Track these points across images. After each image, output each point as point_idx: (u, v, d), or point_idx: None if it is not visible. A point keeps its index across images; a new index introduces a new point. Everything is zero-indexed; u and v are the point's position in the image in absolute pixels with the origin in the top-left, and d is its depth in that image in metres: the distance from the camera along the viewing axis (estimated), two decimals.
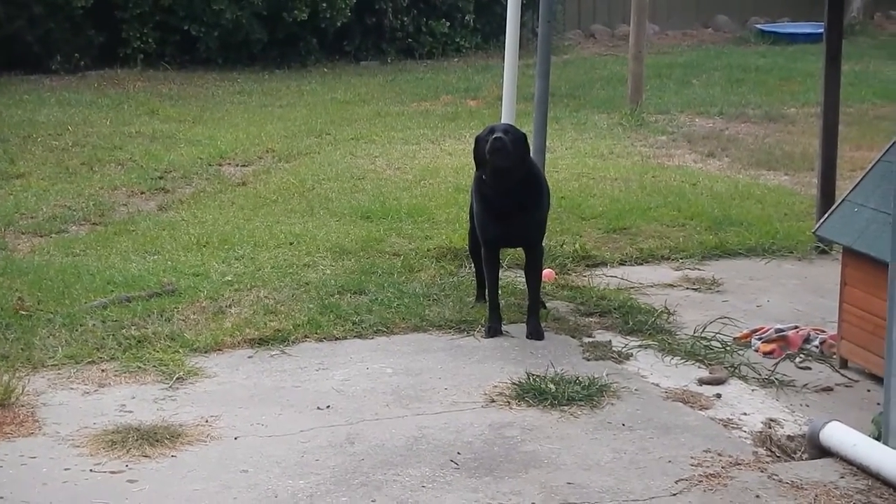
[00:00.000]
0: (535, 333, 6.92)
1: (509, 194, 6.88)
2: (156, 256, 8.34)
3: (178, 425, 5.72)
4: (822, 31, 8.70)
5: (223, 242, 8.62)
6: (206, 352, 6.68)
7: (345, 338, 6.92)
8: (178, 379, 6.30)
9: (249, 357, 6.65)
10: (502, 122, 8.26)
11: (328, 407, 5.98)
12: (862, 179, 6.59)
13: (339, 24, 17.89)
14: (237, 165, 11.52)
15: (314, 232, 8.88)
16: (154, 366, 6.45)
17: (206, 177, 10.97)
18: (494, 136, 6.82)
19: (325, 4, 17.52)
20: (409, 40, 18.72)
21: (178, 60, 17.76)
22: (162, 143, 12.41)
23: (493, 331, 6.97)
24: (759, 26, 21.40)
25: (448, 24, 18.84)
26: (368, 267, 8.04)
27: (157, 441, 5.55)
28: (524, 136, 6.98)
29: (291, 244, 8.58)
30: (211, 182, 10.76)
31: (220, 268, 8.02)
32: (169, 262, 8.15)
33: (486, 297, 7.12)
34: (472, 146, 7.09)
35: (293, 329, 6.94)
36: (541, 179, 7.15)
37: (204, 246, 8.56)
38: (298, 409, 5.97)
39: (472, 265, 7.53)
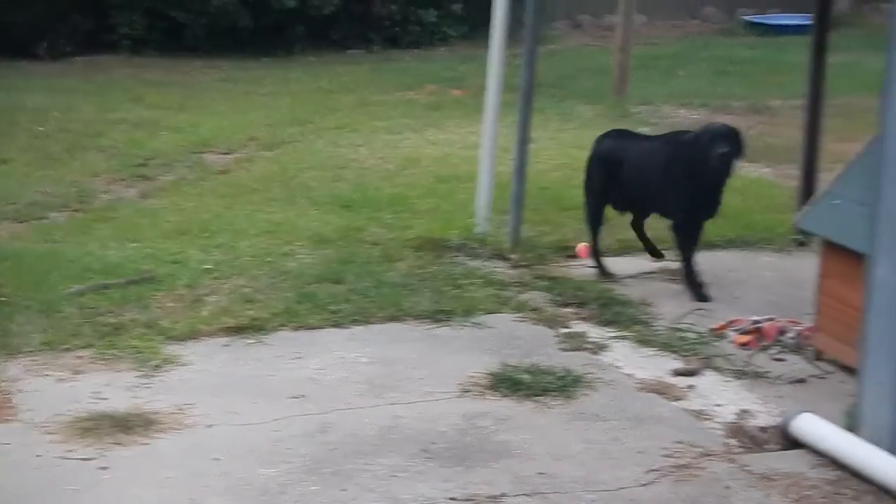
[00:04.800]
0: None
1: None
2: (135, 244, 8.33)
3: (151, 413, 5.73)
4: (810, 22, 8.69)
5: (203, 230, 8.61)
6: (182, 340, 6.68)
7: (321, 327, 6.93)
8: (153, 367, 6.31)
9: (225, 345, 6.66)
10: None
11: (302, 396, 5.99)
12: (844, 172, 6.60)
13: (326, 11, 17.85)
14: (220, 153, 11.50)
15: (294, 221, 8.88)
16: (130, 353, 6.46)
17: (188, 164, 10.95)
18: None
19: None
20: (396, 29, 18.67)
21: (164, 47, 17.70)
22: (145, 129, 12.37)
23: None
24: (747, 17, 21.37)
25: (436, 12, 18.80)
26: (347, 256, 8.04)
27: (131, 428, 5.56)
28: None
29: (271, 233, 8.58)
30: (193, 170, 10.74)
31: (199, 256, 8.01)
32: (148, 250, 8.15)
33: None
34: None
35: (270, 318, 6.95)
36: None
37: (183, 234, 8.55)
38: (273, 397, 5.97)
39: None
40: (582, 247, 8.24)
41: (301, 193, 9.74)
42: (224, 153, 11.49)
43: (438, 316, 7.06)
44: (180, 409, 5.81)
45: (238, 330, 6.81)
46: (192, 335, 6.74)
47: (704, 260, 8.22)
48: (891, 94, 5.12)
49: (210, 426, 5.64)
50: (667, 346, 6.68)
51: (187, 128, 12.42)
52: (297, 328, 6.90)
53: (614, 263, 8.16)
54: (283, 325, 6.91)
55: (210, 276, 7.60)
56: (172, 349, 6.55)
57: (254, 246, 8.26)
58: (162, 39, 17.73)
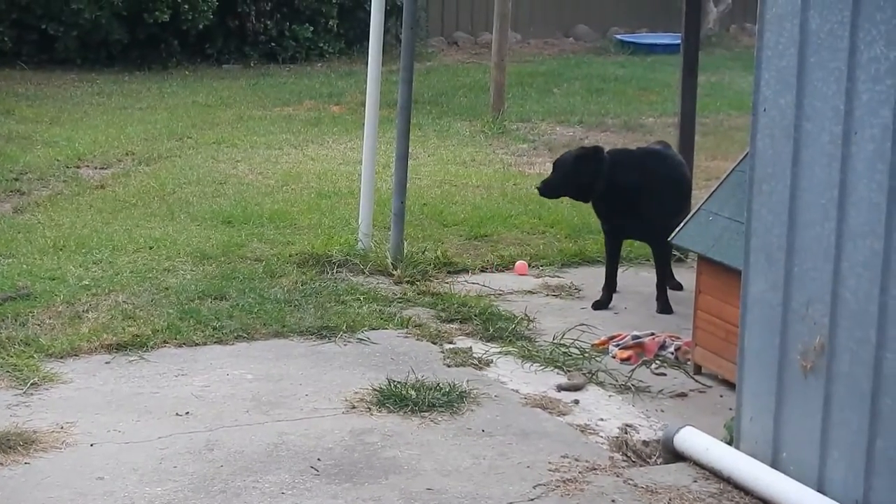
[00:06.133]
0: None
1: None
2: (10, 260, 8.18)
3: (31, 432, 5.64)
4: (679, 42, 8.86)
5: (80, 246, 8.48)
6: (62, 357, 6.58)
7: (205, 343, 6.87)
8: (32, 384, 6.20)
9: (107, 363, 6.57)
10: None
11: (187, 413, 5.94)
12: (717, 189, 6.74)
13: (200, 26, 17.70)
14: (96, 168, 11.34)
15: (174, 236, 8.79)
16: (8, 371, 6.34)
17: (64, 179, 10.78)
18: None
19: (186, 6, 17.33)
20: (273, 44, 18.59)
21: (35, 60, 17.41)
22: (18, 143, 12.14)
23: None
24: (618, 36, 21.66)
25: (311, 28, 18.74)
26: (229, 272, 7.98)
27: (10, 448, 5.46)
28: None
29: (151, 248, 8.48)
30: (68, 184, 10.58)
31: (78, 272, 7.90)
32: (24, 266, 8.01)
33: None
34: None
35: (152, 334, 6.88)
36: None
37: (61, 249, 8.42)
38: (157, 415, 5.92)
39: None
40: (520, 264, 8.35)
41: (181, 209, 9.65)
42: (100, 168, 11.33)
43: (323, 332, 7.05)
44: (62, 428, 5.72)
45: (119, 347, 6.73)
46: (72, 352, 6.64)
47: (584, 276, 8.36)
48: (759, 113, 5.24)
49: (93, 445, 5.57)
50: (550, 362, 6.74)
51: (62, 142, 12.22)
52: (179, 345, 6.83)
53: (496, 279, 8.25)
54: (165, 342, 6.84)
55: (89, 292, 7.50)
56: (52, 367, 6.45)
57: (134, 262, 8.16)
58: (32, 52, 17.44)
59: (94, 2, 16.94)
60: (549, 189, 7.84)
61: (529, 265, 8.54)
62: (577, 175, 7.66)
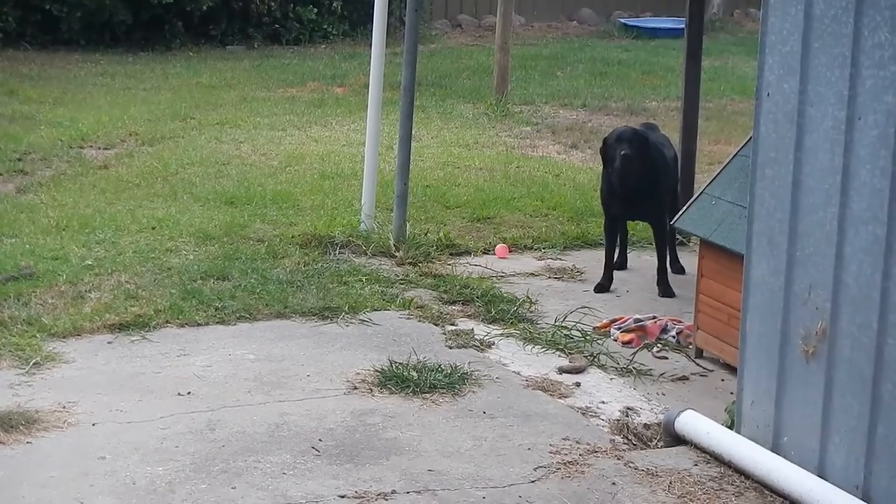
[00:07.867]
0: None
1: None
2: (13, 240, 8.19)
3: (33, 411, 5.64)
4: (683, 26, 8.86)
5: (83, 226, 8.49)
6: (64, 337, 6.58)
7: (207, 324, 6.88)
8: (34, 364, 6.21)
9: (109, 342, 6.58)
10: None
11: (189, 393, 5.95)
12: (720, 173, 6.74)
13: (204, 7, 17.71)
14: (99, 148, 11.35)
15: (177, 217, 8.79)
16: (10, 351, 6.35)
17: (67, 159, 10.78)
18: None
19: None
20: (277, 26, 18.59)
21: (39, 40, 17.41)
22: (21, 124, 12.15)
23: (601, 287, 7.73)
24: (622, 20, 21.63)
25: (315, 10, 18.75)
26: (232, 253, 7.99)
27: (12, 427, 5.46)
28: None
29: (154, 229, 8.49)
30: (72, 165, 10.58)
31: (80, 252, 7.90)
32: (27, 246, 8.01)
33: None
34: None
35: (154, 314, 6.88)
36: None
37: (63, 229, 8.43)
38: (158, 395, 5.92)
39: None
40: (500, 247, 8.36)
41: (184, 189, 9.65)
42: (104, 148, 11.34)
43: (325, 313, 7.06)
44: (63, 408, 5.73)
45: (122, 327, 6.74)
46: (75, 332, 6.65)
47: (586, 258, 8.37)
48: (762, 97, 5.23)
49: (95, 424, 5.57)
50: (552, 344, 6.75)
51: (65, 122, 12.23)
52: (182, 325, 6.84)
53: (498, 261, 8.25)
54: (167, 322, 6.85)
55: (92, 272, 7.50)
56: (54, 346, 6.46)
57: (136, 242, 8.17)
58: (36, 33, 17.43)
59: None
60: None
61: (531, 248, 8.54)
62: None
